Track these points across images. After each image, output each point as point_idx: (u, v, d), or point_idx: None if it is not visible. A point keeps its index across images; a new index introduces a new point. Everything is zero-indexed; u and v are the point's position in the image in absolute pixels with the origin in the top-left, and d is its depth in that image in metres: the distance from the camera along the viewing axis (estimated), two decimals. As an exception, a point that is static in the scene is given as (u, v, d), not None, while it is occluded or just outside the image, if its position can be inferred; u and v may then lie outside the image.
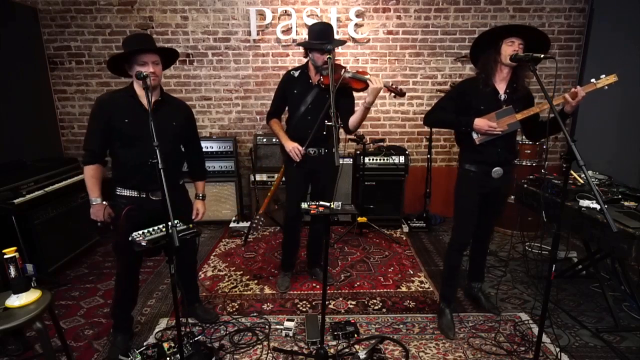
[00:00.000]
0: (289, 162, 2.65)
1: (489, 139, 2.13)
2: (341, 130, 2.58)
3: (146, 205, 1.98)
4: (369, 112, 2.41)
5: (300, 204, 2.68)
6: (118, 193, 2.01)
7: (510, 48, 2.05)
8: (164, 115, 1.94)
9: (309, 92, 2.49)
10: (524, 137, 3.40)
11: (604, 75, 1.97)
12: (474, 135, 2.16)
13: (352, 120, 2.44)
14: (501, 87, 2.16)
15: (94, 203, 1.99)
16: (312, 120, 2.50)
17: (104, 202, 2.01)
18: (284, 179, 2.90)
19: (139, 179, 1.96)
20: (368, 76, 2.30)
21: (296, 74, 2.55)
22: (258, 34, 3.88)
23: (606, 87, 1.98)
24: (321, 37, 2.40)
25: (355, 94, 2.56)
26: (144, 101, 1.93)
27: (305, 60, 2.58)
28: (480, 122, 2.10)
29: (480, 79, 2.16)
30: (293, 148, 2.47)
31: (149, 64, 1.86)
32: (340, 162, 3.53)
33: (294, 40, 3.86)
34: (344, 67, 2.44)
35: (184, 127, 2.10)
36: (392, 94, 2.46)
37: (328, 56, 2.09)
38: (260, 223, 3.44)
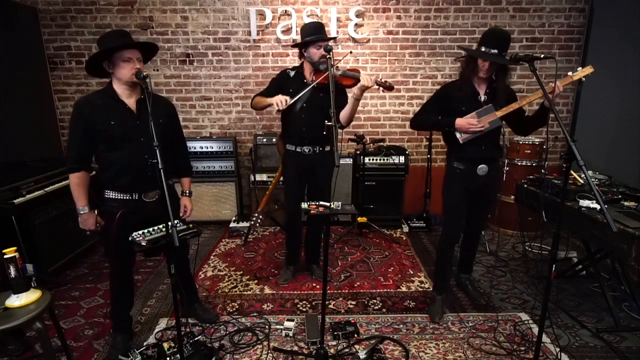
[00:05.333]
0: (287, 160, 2.71)
1: (473, 137, 2.23)
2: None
3: (139, 207, 1.95)
4: (358, 105, 2.49)
5: (298, 201, 2.74)
6: (107, 197, 1.94)
7: (483, 65, 2.17)
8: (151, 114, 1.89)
9: (303, 92, 2.50)
10: (524, 137, 3.43)
11: (580, 68, 2.08)
12: (457, 135, 2.26)
13: (343, 114, 2.50)
14: (481, 88, 2.27)
15: (82, 212, 1.92)
16: (307, 118, 2.56)
17: (93, 211, 1.94)
18: (282, 178, 2.92)
19: (129, 181, 1.91)
20: (359, 74, 2.42)
21: (292, 73, 2.60)
22: (258, 34, 3.88)
23: (583, 78, 2.09)
24: (315, 32, 2.48)
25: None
26: (127, 101, 1.89)
27: (299, 62, 2.65)
28: (460, 121, 2.22)
29: (460, 83, 2.28)
30: (277, 98, 2.39)
31: (133, 60, 1.81)
32: (341, 162, 3.54)
33: (293, 40, 3.85)
34: (334, 66, 2.47)
35: (169, 124, 2.06)
36: (382, 89, 2.53)
37: (328, 55, 2.09)
38: (259, 221, 3.43)
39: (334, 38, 2.64)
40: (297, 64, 2.73)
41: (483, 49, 2.13)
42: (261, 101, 2.53)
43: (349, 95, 2.45)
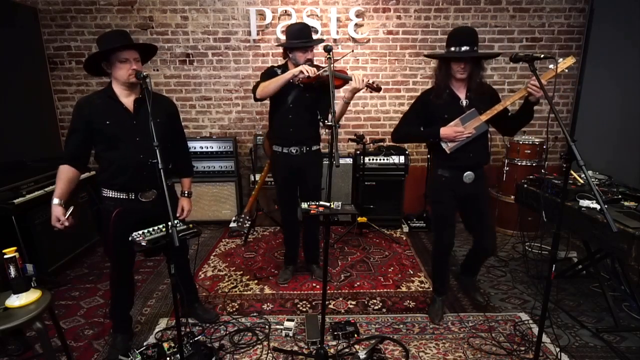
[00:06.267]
0: (275, 162, 2.73)
1: (460, 145, 2.15)
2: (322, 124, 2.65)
3: (135, 206, 1.95)
4: (348, 107, 2.49)
5: (292, 202, 2.77)
6: (105, 195, 1.96)
7: (457, 65, 2.10)
8: (147, 113, 1.83)
9: (290, 92, 2.52)
10: (523, 137, 3.40)
11: (561, 59, 1.96)
12: (444, 145, 2.18)
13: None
14: (461, 93, 2.19)
15: (53, 203, 1.86)
16: (293, 119, 2.56)
17: (65, 207, 1.88)
18: (269, 179, 2.92)
19: (126, 180, 1.92)
20: (349, 75, 2.40)
21: (279, 71, 2.56)
22: (258, 34, 3.88)
23: (566, 69, 2.01)
24: (301, 36, 2.48)
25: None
26: (124, 101, 1.90)
27: (283, 61, 2.65)
28: (446, 131, 2.14)
29: (437, 89, 2.21)
30: (302, 67, 2.34)
31: (130, 60, 1.81)
32: (341, 162, 3.55)
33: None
34: (321, 66, 2.49)
35: (168, 124, 2.04)
36: (370, 90, 2.49)
37: (328, 55, 2.09)
38: (247, 223, 3.45)
39: (320, 41, 2.61)
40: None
41: (452, 49, 2.07)
42: (272, 83, 2.41)
43: (340, 96, 2.43)
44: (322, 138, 3.22)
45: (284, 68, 2.58)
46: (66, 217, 1.87)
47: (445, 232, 2.36)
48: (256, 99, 2.55)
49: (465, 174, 2.21)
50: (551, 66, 1.96)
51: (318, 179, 2.74)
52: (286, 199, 2.80)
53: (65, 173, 1.90)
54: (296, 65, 2.49)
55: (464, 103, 2.18)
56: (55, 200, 1.87)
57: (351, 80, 2.33)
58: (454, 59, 2.09)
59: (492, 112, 2.11)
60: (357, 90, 2.33)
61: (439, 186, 2.30)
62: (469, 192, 2.25)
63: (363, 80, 2.30)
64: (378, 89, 2.49)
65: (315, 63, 2.57)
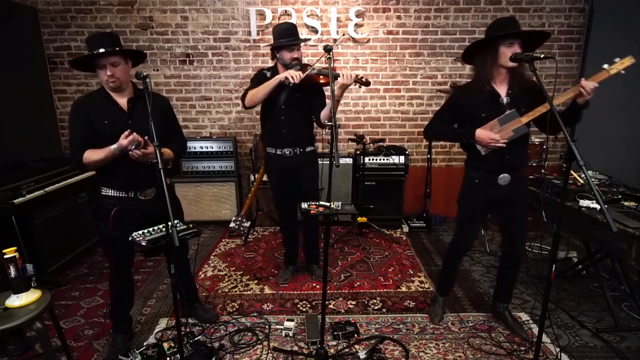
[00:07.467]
0: (269, 164, 2.73)
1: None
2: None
3: (134, 205, 1.96)
4: (339, 105, 2.48)
5: (288, 202, 2.76)
6: (103, 193, 1.97)
7: (510, 50, 1.91)
8: (142, 113, 1.78)
9: (281, 93, 2.50)
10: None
11: (618, 59, 1.71)
12: (479, 146, 2.05)
13: (324, 114, 2.49)
14: (502, 89, 2.02)
15: (115, 149, 1.79)
16: (286, 120, 2.55)
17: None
18: (267, 179, 2.94)
19: (124, 179, 1.93)
20: (337, 71, 2.35)
21: (268, 74, 2.55)
22: (258, 34, 3.88)
23: (623, 71, 1.72)
24: (287, 35, 2.46)
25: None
26: (119, 101, 1.92)
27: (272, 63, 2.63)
28: (481, 134, 1.99)
29: (477, 85, 2.02)
30: (288, 73, 2.34)
31: (107, 66, 1.81)
32: (341, 161, 3.54)
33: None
34: (310, 65, 2.48)
35: (163, 121, 2.02)
36: (359, 85, 2.46)
37: (328, 55, 2.08)
38: (243, 225, 3.45)
39: (306, 40, 2.61)
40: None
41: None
42: (260, 90, 2.43)
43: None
44: (322, 138, 3.20)
45: (273, 70, 2.57)
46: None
47: (466, 237, 2.28)
48: (245, 107, 2.55)
49: (500, 176, 2.05)
50: (605, 66, 1.73)
51: (314, 181, 2.72)
52: (282, 201, 2.79)
53: (91, 150, 1.86)
54: (284, 64, 2.49)
55: (505, 100, 2.00)
56: (113, 146, 1.80)
57: (339, 77, 2.30)
58: (505, 43, 1.90)
59: (534, 114, 1.93)
60: (346, 86, 2.29)
61: (471, 189, 2.17)
62: (503, 195, 2.09)
63: (351, 76, 2.27)
64: (367, 83, 2.45)
65: (304, 62, 2.56)
